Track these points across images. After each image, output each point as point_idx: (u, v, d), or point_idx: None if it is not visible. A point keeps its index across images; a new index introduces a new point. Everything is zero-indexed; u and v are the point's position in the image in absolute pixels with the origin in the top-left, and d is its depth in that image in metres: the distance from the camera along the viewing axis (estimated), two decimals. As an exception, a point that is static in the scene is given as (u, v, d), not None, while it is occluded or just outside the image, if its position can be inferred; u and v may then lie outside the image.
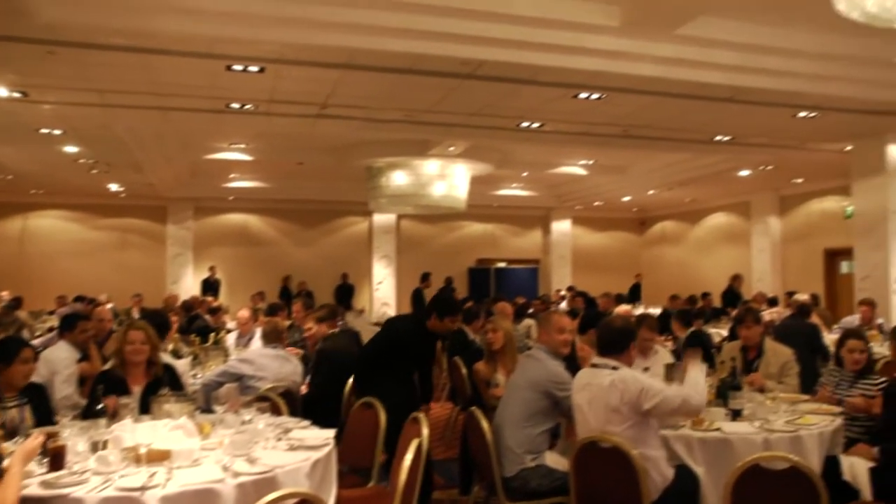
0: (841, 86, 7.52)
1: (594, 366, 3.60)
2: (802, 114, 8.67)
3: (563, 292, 15.57)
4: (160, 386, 3.76)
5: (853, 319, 9.22)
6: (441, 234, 19.22)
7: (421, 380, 4.87)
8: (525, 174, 15.52)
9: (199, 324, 8.66)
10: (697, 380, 3.53)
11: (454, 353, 6.56)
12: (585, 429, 3.50)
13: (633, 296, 15.87)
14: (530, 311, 10.59)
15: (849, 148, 10.29)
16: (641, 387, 3.35)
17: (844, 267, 14.39)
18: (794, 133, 9.96)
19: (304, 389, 5.24)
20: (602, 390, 3.42)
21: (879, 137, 9.51)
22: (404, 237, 18.61)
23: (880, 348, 6.97)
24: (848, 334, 4.58)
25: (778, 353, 4.86)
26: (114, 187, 15.27)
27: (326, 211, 18.13)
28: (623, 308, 9.52)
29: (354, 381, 4.99)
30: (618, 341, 3.59)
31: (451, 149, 11.33)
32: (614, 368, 3.46)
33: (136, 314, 10.91)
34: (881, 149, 9.53)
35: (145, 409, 3.53)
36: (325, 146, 12.29)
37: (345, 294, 17.14)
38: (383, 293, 17.72)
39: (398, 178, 12.44)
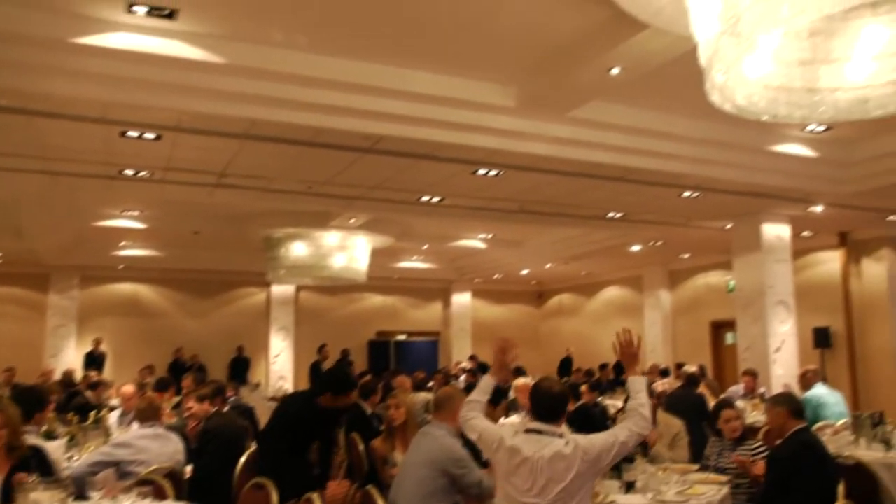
0: (720, 169, 8.06)
1: (535, 431, 3.31)
2: (687, 194, 9.19)
3: (463, 364, 15.59)
4: (26, 471, 3.45)
5: (738, 389, 9.65)
6: (341, 306, 19.01)
7: (318, 457, 4.72)
8: (425, 247, 15.67)
9: (78, 401, 8.10)
10: (639, 391, 3.40)
11: (351, 429, 6.40)
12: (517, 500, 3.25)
13: (565, 370, 16.00)
14: (430, 384, 10.52)
15: (729, 226, 10.93)
16: (601, 447, 3.19)
17: (729, 338, 15.07)
18: (681, 211, 10.52)
19: (188, 471, 4.96)
20: (553, 460, 3.16)
21: (756, 217, 10.18)
22: (303, 309, 18.28)
23: (763, 416, 7.28)
24: (721, 405, 4.84)
25: (669, 425, 5.01)
26: (-11, 254, 14.37)
27: (223, 281, 17.61)
28: (522, 381, 9.58)
29: (257, 458, 4.77)
30: (558, 407, 3.38)
31: (352, 220, 11.34)
32: (560, 436, 3.24)
33: (5, 391, 10.13)
34: (757, 228, 10.19)
35: (8, 498, 3.22)
36: (222, 215, 12.04)
37: (240, 368, 16.55)
38: (280, 366, 17.24)
39: (298, 249, 12.30)
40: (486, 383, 3.66)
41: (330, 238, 12.25)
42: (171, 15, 5.08)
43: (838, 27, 3.75)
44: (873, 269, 12.00)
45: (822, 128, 7.71)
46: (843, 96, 3.94)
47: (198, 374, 8.65)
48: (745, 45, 3.30)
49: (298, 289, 17.91)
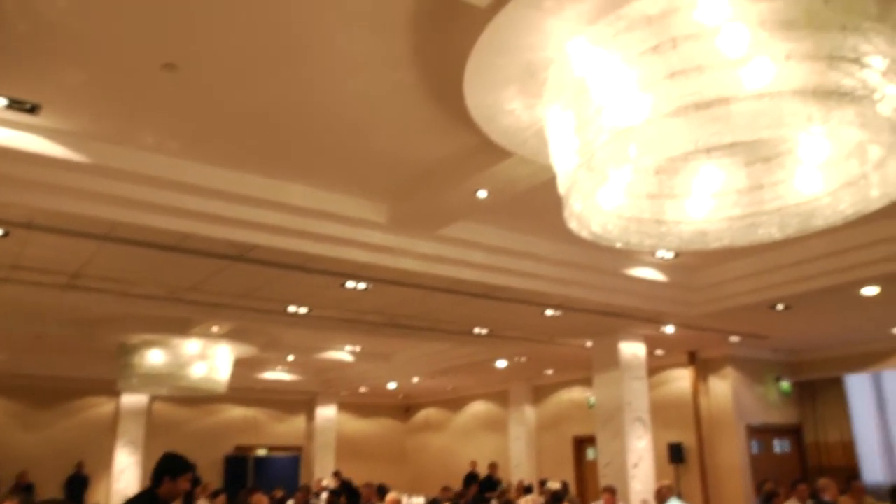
0: (579, 289, 8.47)
1: None
2: (549, 312, 9.53)
3: (325, 482, 14.96)
4: None
5: (598, 506, 9.78)
6: (198, 418, 17.96)
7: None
8: (291, 358, 15.26)
9: None
10: None
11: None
12: None
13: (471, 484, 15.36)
14: (289, 503, 10.01)
15: (590, 344, 11.37)
16: None
17: (591, 453, 15.37)
18: (544, 329, 10.87)
19: None
20: None
21: (613, 336, 10.67)
22: (156, 421, 17.08)
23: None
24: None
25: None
26: None
27: (65, 389, 16.20)
28: (392, 497, 9.31)
29: None
30: None
31: (215, 329, 10.93)
32: None
33: None
34: (615, 346, 10.67)
35: None
36: (71, 319, 11.27)
37: (77, 487, 15.12)
38: (126, 484, 15.77)
39: (154, 357, 11.64)
40: None
41: (190, 346, 11.71)
42: (32, 109, 4.91)
43: (680, 167, 4.15)
44: (719, 387, 12.74)
45: (670, 255, 8.34)
46: (685, 228, 4.31)
47: (24, 495, 7.81)
48: (599, 178, 3.57)
49: (152, 399, 16.81)
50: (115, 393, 15.65)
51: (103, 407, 16.75)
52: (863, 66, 3.15)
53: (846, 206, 3.85)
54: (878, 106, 3.11)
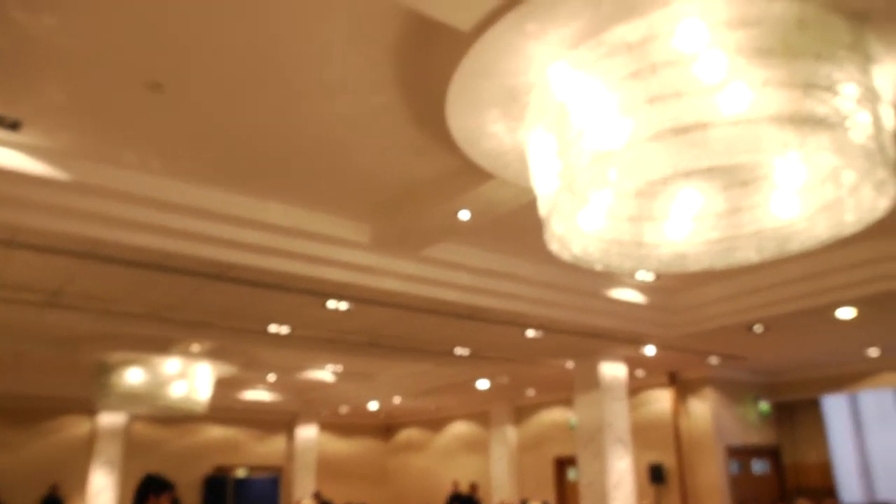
0: (561, 311, 8.51)
1: None
2: (531, 333, 9.56)
3: (305, 502, 14.81)
4: None
5: (579, 528, 9.76)
6: (177, 438, 17.75)
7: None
8: (271, 377, 15.15)
9: None
10: None
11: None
12: None
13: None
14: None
15: (571, 364, 11.41)
16: None
17: (572, 474, 15.35)
18: (526, 349, 10.88)
19: None
20: None
21: (594, 357, 10.70)
22: (135, 441, 16.84)
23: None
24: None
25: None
26: None
27: (40, 409, 15.94)
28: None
29: None
30: None
31: (195, 347, 10.85)
32: None
33: None
34: (596, 367, 10.70)
35: None
36: (50, 337, 11.14)
37: (52, 508, 14.88)
38: (102, 506, 15.58)
39: (134, 376, 11.51)
40: None
41: (170, 365, 11.59)
42: (14, 126, 4.89)
43: (660, 190, 4.21)
44: (699, 408, 12.81)
45: (650, 277, 8.41)
46: (665, 251, 4.36)
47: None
48: (579, 201, 3.61)
49: (130, 418, 16.58)
50: (91, 412, 15.45)
51: (79, 426, 16.51)
52: (836, 93, 3.23)
53: (822, 230, 3.92)
54: (850, 133, 3.19)
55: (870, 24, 3.46)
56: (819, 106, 3.18)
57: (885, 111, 3.47)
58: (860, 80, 3.36)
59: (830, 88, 3.23)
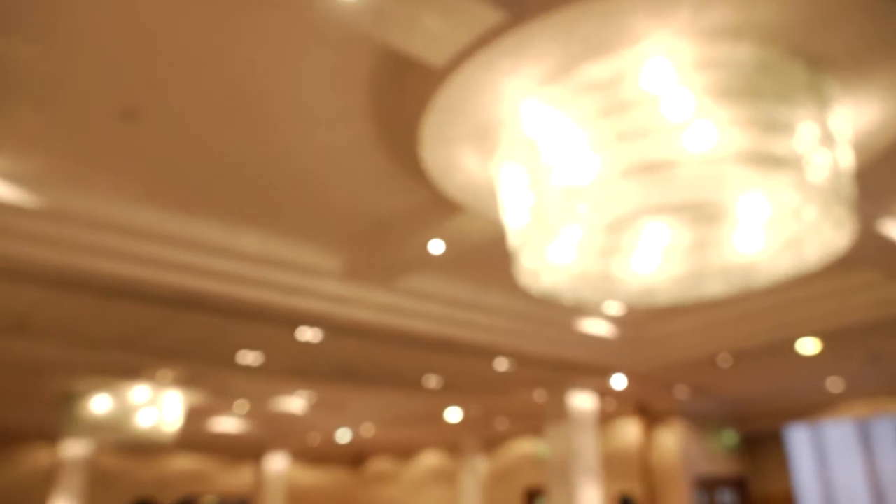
0: (531, 342, 8.56)
1: None
2: (501, 364, 9.59)
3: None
4: None
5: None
6: (143, 468, 17.40)
7: None
8: (241, 406, 14.95)
9: None
10: None
11: None
12: None
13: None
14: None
15: (542, 395, 11.43)
16: None
17: (542, 505, 15.32)
18: (497, 380, 10.89)
19: None
20: None
21: (564, 387, 10.75)
22: (99, 472, 16.48)
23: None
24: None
25: None
26: None
27: (-1, 437, 15.65)
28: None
29: None
30: None
31: (164, 375, 10.70)
32: None
33: None
34: (566, 397, 10.74)
35: None
36: (10, 364, 10.91)
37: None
38: (62, 540, 15.16)
39: (99, 404, 11.30)
40: None
41: (138, 393, 11.41)
42: (-15, 154, 4.86)
43: (628, 225, 4.29)
44: (667, 438, 12.88)
45: (619, 310, 8.51)
46: (633, 284, 4.44)
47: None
48: (549, 234, 3.68)
49: (94, 448, 16.21)
50: (53, 441, 15.08)
51: (40, 456, 16.11)
52: (795, 133, 3.35)
53: (785, 265, 4.03)
54: (808, 172, 3.30)
55: (828, 66, 3.60)
56: (779, 145, 3.30)
57: (842, 150, 3.60)
58: (819, 119, 3.49)
59: (790, 128, 3.35)
